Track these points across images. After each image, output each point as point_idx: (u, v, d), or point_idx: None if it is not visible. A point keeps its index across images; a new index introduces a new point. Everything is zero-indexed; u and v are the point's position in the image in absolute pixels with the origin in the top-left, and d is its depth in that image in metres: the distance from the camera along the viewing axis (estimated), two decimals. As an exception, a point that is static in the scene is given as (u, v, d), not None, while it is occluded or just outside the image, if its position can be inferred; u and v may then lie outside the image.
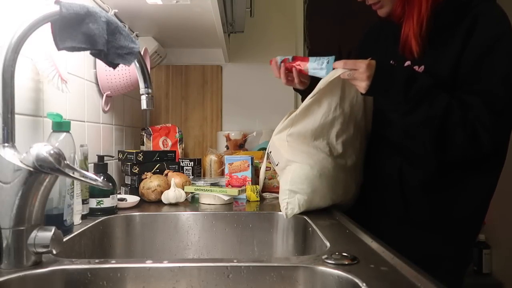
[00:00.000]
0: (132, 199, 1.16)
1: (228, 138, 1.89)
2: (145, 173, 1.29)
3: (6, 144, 0.61)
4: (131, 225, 1.05)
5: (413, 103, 0.90)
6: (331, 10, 3.02)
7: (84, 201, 0.95)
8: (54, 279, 0.61)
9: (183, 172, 1.57)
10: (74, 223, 0.88)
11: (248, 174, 1.35)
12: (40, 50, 0.85)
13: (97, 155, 1.08)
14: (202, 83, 2.00)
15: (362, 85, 0.92)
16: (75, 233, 0.84)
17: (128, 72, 1.26)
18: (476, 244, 2.42)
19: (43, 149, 0.60)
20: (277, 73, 1.09)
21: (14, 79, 0.63)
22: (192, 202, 1.27)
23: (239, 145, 1.87)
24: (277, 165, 1.07)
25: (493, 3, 0.97)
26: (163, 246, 1.07)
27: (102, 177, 1.03)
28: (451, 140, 0.91)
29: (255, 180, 1.38)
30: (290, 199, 1.00)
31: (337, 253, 0.65)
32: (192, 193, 1.29)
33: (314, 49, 2.38)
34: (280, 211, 1.03)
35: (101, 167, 1.05)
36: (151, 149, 1.67)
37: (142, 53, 1.07)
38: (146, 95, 0.95)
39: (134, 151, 1.34)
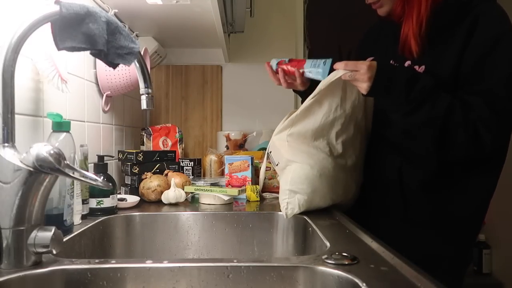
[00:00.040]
0: (132, 199, 1.16)
1: (228, 138, 1.89)
2: (145, 173, 1.29)
3: (6, 144, 0.61)
4: (131, 225, 1.05)
5: (414, 103, 0.90)
6: (331, 10, 3.02)
7: (84, 201, 0.95)
8: (54, 279, 0.61)
9: (183, 172, 1.57)
10: (74, 223, 0.87)
11: (248, 174, 1.35)
12: (40, 50, 0.85)
13: (97, 155, 1.08)
14: (202, 83, 2.00)
15: (363, 86, 0.92)
16: (75, 233, 0.84)
17: (128, 72, 1.26)
18: (476, 244, 2.42)
19: (43, 149, 0.60)
20: (275, 78, 1.09)
21: (14, 79, 0.63)
22: (192, 202, 1.27)
23: (239, 145, 1.87)
24: (277, 165, 1.07)
25: (494, 2, 0.97)
26: (163, 246, 1.07)
27: (102, 177, 1.03)
28: (453, 140, 0.91)
29: (255, 180, 1.38)
30: (290, 199, 1.00)
31: (337, 253, 0.65)
32: (192, 193, 1.29)
33: (314, 49, 2.38)
34: (280, 211, 1.03)
35: (101, 167, 1.05)
36: (151, 149, 1.67)
37: (142, 53, 1.07)
38: (146, 95, 0.95)
39: (134, 151, 1.34)
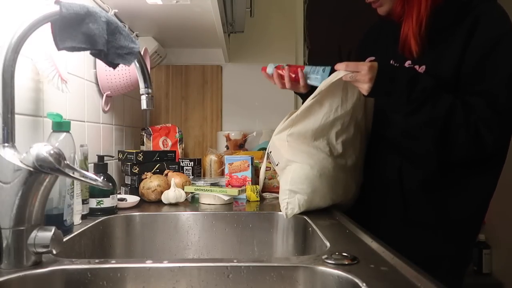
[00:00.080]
0: (132, 199, 1.16)
1: (228, 138, 1.89)
2: (145, 173, 1.29)
3: (6, 144, 0.61)
4: (131, 225, 1.05)
5: (415, 104, 0.90)
6: (331, 10, 3.02)
7: (84, 201, 0.95)
8: (54, 279, 0.61)
9: (183, 172, 1.57)
10: (74, 223, 0.87)
11: (248, 174, 1.35)
12: (40, 50, 0.85)
13: (97, 155, 1.08)
14: (202, 83, 2.00)
15: (364, 87, 0.92)
16: (75, 233, 0.84)
17: (128, 72, 1.26)
18: (476, 244, 2.42)
19: (43, 149, 0.60)
20: (272, 81, 1.09)
21: (14, 79, 0.63)
22: (192, 202, 1.27)
23: (239, 145, 1.87)
24: (277, 165, 1.07)
25: (494, 3, 0.97)
26: (163, 246, 1.07)
27: (102, 177, 1.03)
28: (454, 140, 0.91)
29: (255, 180, 1.38)
30: (290, 199, 1.00)
31: (337, 253, 0.65)
32: (192, 193, 1.29)
33: (314, 49, 2.38)
34: (280, 211, 1.03)
35: (101, 167, 1.05)
36: (151, 149, 1.67)
37: (142, 53, 1.07)
38: (146, 95, 0.95)
39: (134, 151, 1.34)
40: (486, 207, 1.03)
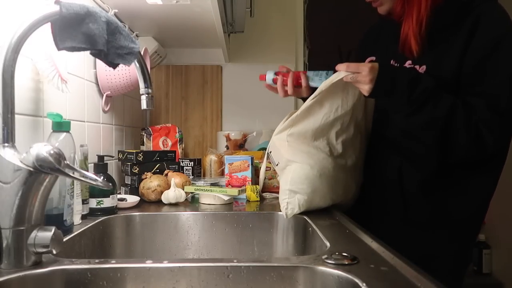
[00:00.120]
0: (132, 199, 1.16)
1: (228, 138, 1.89)
2: (145, 173, 1.29)
3: (6, 144, 0.61)
4: (131, 225, 1.05)
5: (416, 105, 0.90)
6: (331, 10, 3.02)
7: (84, 201, 0.95)
8: (54, 279, 0.61)
9: (183, 172, 1.57)
10: (74, 223, 0.87)
11: (248, 174, 1.35)
12: (40, 50, 0.85)
13: (97, 155, 1.08)
14: (202, 83, 2.00)
15: (365, 88, 0.92)
16: (75, 233, 0.84)
17: (128, 72, 1.26)
18: (476, 244, 2.42)
19: (43, 149, 0.60)
20: (274, 91, 1.08)
21: (14, 79, 0.63)
22: (192, 202, 1.27)
23: (239, 145, 1.87)
24: (277, 165, 1.07)
25: (495, 3, 0.97)
26: (163, 246, 1.07)
27: (102, 177, 1.03)
28: (454, 141, 0.91)
29: (255, 180, 1.38)
30: (290, 199, 1.00)
31: (337, 253, 0.65)
32: (192, 193, 1.29)
33: (314, 49, 2.38)
34: (280, 211, 1.03)
35: (101, 167, 1.05)
36: (151, 149, 1.67)
37: (142, 53, 1.07)
38: (146, 95, 0.95)
39: (134, 151, 1.34)
40: (486, 207, 1.03)
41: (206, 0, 1.17)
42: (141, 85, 0.95)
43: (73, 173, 0.62)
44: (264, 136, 1.90)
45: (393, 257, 0.63)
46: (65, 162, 0.62)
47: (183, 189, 1.23)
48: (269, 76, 1.09)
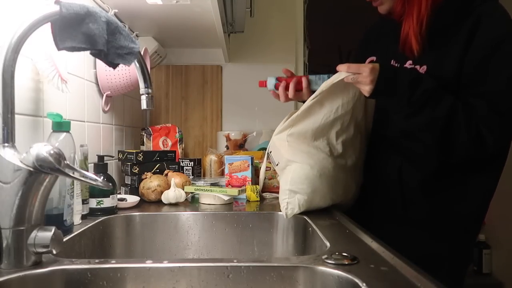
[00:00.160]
0: (132, 199, 1.16)
1: (228, 138, 1.89)
2: (145, 173, 1.29)
3: (6, 144, 0.61)
4: (131, 225, 1.05)
5: (417, 106, 0.90)
6: (331, 10, 3.02)
7: (84, 201, 0.95)
8: (54, 279, 0.61)
9: (183, 172, 1.57)
10: (74, 223, 0.87)
11: (248, 174, 1.35)
12: (40, 50, 0.85)
13: (97, 155, 1.08)
14: (202, 83, 2.00)
15: (366, 89, 0.92)
16: (75, 233, 0.84)
17: (128, 72, 1.26)
18: (476, 244, 2.42)
19: (43, 149, 0.60)
20: (276, 97, 1.08)
21: (14, 79, 0.63)
22: (192, 202, 1.27)
23: (239, 145, 1.87)
24: (277, 165, 1.07)
25: (496, 3, 0.97)
26: (163, 246, 1.07)
27: (102, 177, 1.03)
28: (455, 141, 0.91)
29: (255, 180, 1.38)
30: (290, 199, 1.00)
31: (337, 253, 0.65)
32: (192, 193, 1.29)
33: (314, 49, 2.38)
34: (280, 211, 1.03)
35: (101, 167, 1.05)
36: (151, 149, 1.67)
37: (142, 53, 1.07)
38: (146, 95, 0.95)
39: (134, 151, 1.34)
40: (486, 208, 1.03)
41: (206, 0, 1.17)
42: (141, 85, 0.95)
43: (73, 173, 0.62)
44: (264, 136, 1.90)
45: (393, 257, 0.63)
46: (65, 162, 0.62)
47: (183, 189, 1.23)
48: (271, 82, 1.08)
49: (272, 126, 1.25)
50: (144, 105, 0.96)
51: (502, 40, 0.91)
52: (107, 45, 0.77)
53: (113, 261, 0.64)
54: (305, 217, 0.98)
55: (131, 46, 0.83)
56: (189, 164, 1.63)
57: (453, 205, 1.00)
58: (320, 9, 2.66)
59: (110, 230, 1.01)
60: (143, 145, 1.69)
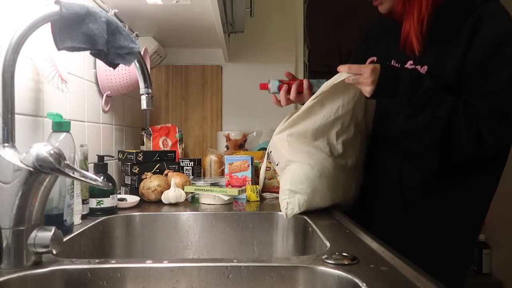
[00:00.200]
0: (132, 199, 1.16)
1: (228, 138, 1.89)
2: (145, 173, 1.29)
3: (6, 144, 0.61)
4: (131, 225, 1.05)
5: (418, 106, 0.90)
6: (331, 10, 3.02)
7: (84, 201, 0.95)
8: (54, 279, 0.61)
9: (183, 172, 1.57)
10: (74, 223, 0.87)
11: (248, 174, 1.35)
12: (40, 50, 0.85)
13: (97, 155, 1.08)
14: (202, 83, 2.00)
15: (367, 90, 0.92)
16: (75, 233, 0.84)
17: (128, 72, 1.26)
18: (476, 244, 2.42)
19: (43, 149, 0.60)
20: (284, 98, 1.08)
21: (14, 79, 0.63)
22: (192, 202, 1.27)
23: (239, 145, 1.87)
24: (277, 165, 1.07)
25: (497, 3, 0.96)
26: (163, 246, 1.07)
27: (102, 177, 1.03)
28: (455, 142, 0.91)
29: (255, 180, 1.38)
30: (290, 199, 1.00)
31: (337, 253, 0.65)
32: (192, 193, 1.29)
33: (314, 49, 2.38)
34: (280, 211, 1.03)
35: (101, 167, 1.05)
36: (151, 149, 1.67)
37: (142, 53, 1.07)
38: (146, 95, 0.95)
39: (134, 151, 1.34)
40: (487, 208, 1.03)
41: (206, 0, 1.17)
42: (141, 85, 0.95)
43: (73, 173, 0.62)
44: (264, 136, 1.90)
45: (393, 257, 0.63)
46: (65, 162, 0.62)
47: (183, 189, 1.23)
48: (274, 84, 1.08)
49: (272, 126, 1.25)
50: (144, 105, 0.96)
51: (503, 40, 0.91)
52: (107, 45, 0.77)
53: (113, 261, 0.64)
54: (305, 217, 0.98)
55: (131, 46, 0.83)
56: (189, 164, 1.63)
57: (454, 205, 1.00)
58: (320, 9, 2.66)
59: (110, 230, 1.01)
60: (143, 145, 1.69)
